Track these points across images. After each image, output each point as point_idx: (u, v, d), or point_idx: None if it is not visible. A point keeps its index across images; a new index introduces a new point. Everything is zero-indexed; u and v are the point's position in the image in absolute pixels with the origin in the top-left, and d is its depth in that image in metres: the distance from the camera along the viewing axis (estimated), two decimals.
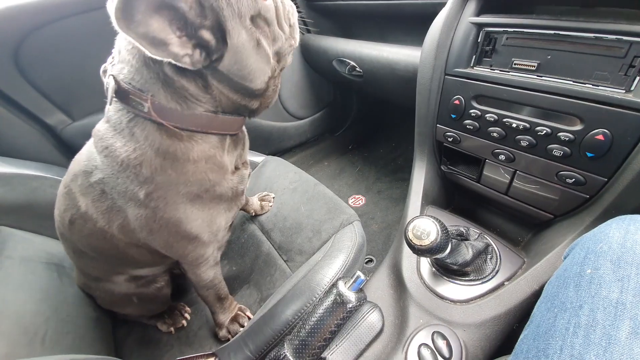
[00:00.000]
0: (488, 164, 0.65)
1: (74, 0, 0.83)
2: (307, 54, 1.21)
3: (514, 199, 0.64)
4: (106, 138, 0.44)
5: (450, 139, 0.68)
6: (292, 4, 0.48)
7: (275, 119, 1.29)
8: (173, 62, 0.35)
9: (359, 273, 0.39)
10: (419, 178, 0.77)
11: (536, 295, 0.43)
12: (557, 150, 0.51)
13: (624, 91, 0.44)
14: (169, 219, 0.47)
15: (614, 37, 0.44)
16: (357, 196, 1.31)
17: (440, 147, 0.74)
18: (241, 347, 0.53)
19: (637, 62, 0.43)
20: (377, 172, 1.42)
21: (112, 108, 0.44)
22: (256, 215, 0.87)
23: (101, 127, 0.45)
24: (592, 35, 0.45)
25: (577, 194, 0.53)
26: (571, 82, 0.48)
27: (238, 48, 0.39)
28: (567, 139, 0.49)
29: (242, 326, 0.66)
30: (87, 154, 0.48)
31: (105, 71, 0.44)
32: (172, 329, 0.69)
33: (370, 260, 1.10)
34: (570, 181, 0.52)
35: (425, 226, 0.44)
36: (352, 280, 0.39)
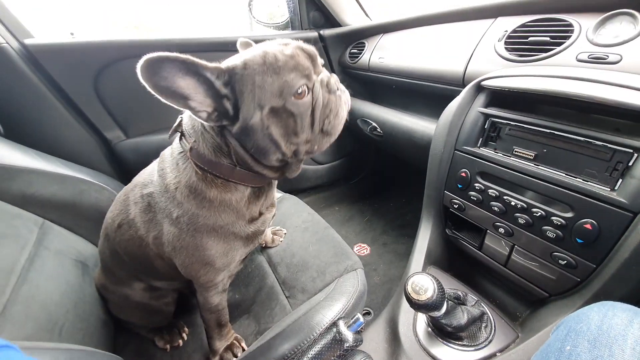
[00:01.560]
0: (489, 234, 0.70)
1: (147, 45, 1.02)
2: None
3: (513, 272, 0.68)
4: (164, 162, 0.54)
5: (455, 206, 0.74)
6: (342, 114, 0.51)
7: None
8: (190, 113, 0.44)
9: (358, 315, 0.43)
10: (424, 237, 0.82)
11: None
12: (550, 232, 0.57)
13: (609, 189, 0.51)
14: (189, 242, 0.53)
15: (601, 143, 0.52)
16: (362, 245, 1.35)
17: (446, 212, 0.80)
18: None
19: (619, 166, 0.50)
20: (384, 225, 1.46)
21: (176, 141, 0.54)
22: (266, 247, 0.92)
23: (166, 152, 0.55)
24: (582, 138, 0.54)
25: (569, 276, 0.57)
26: (564, 175, 0.55)
27: (247, 126, 0.45)
28: (559, 223, 0.55)
29: (236, 356, 0.67)
30: (150, 170, 0.58)
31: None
32: (167, 346, 0.71)
33: (368, 313, 1.09)
34: (563, 263, 0.56)
35: (423, 282, 0.49)
36: (351, 321, 0.43)
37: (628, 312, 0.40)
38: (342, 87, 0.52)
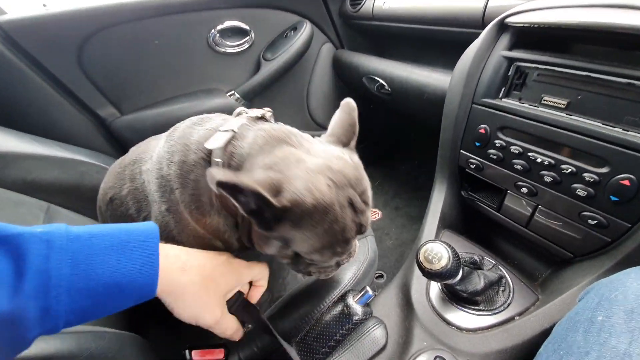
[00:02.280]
0: (509, 195, 0.64)
1: (133, 8, 0.93)
2: (339, 68, 1.26)
3: (534, 233, 0.63)
4: (177, 145, 0.46)
5: (472, 166, 0.69)
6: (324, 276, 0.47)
7: (302, 128, 1.34)
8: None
9: (367, 288, 0.41)
10: (438, 201, 0.78)
11: (545, 334, 0.43)
12: (580, 190, 0.51)
13: None
14: (175, 236, 0.47)
15: None
16: (374, 210, 1.32)
17: (462, 173, 0.74)
18: (249, 343, 0.57)
19: None
20: (396, 188, 1.42)
21: (205, 127, 0.46)
22: None
23: (185, 131, 0.47)
24: (624, 80, 0.45)
25: (599, 236, 0.52)
26: (600, 124, 0.48)
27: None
28: (592, 180, 0.49)
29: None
30: (157, 147, 0.50)
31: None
32: None
33: (381, 276, 1.10)
34: (593, 223, 0.51)
35: (437, 251, 0.46)
36: (360, 295, 0.41)
37: None
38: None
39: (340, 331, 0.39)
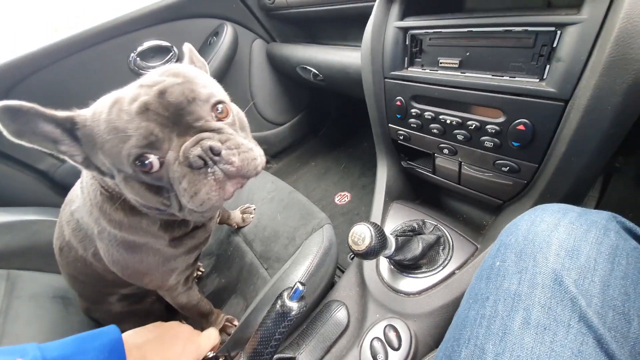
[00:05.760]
0: (437, 157, 0.67)
1: (45, 53, 0.90)
2: (274, 62, 1.24)
3: (466, 187, 0.66)
4: (83, 175, 0.51)
5: (401, 137, 0.70)
6: (202, 197, 0.38)
7: (255, 130, 1.34)
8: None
9: (297, 284, 0.43)
10: (382, 177, 0.80)
11: None
12: (488, 142, 0.53)
13: (538, 80, 0.46)
14: (118, 257, 0.50)
15: (520, 29, 0.45)
16: (342, 193, 1.35)
17: (396, 145, 0.76)
18: (223, 353, 0.60)
19: (544, 50, 0.44)
20: (362, 167, 1.44)
21: None
22: (239, 228, 0.92)
23: None
24: (502, 29, 0.47)
25: (516, 180, 0.55)
26: (490, 76, 0.50)
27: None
28: (493, 131, 0.51)
29: (229, 335, 0.72)
30: (76, 186, 0.55)
31: None
32: None
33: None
34: (506, 169, 0.54)
35: (360, 232, 0.48)
36: (291, 291, 0.43)
37: (556, 214, 0.37)
38: (231, 151, 0.39)
39: (279, 329, 0.42)
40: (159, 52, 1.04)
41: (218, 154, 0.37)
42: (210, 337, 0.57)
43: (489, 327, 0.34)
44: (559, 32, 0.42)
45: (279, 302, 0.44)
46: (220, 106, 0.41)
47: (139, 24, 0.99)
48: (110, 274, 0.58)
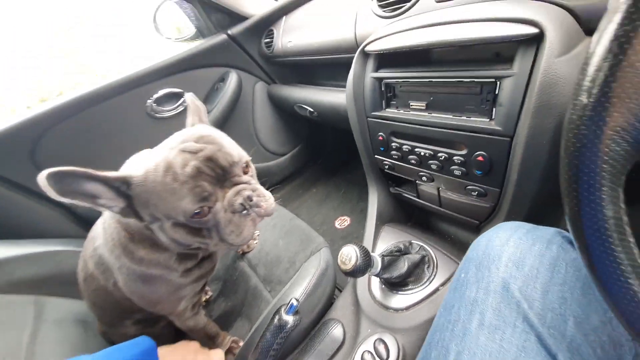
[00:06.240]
0: (419, 183, 0.75)
1: (72, 104, 1.03)
2: (274, 101, 1.38)
3: (447, 209, 0.74)
4: (105, 215, 0.60)
5: (386, 166, 0.79)
6: (246, 234, 0.51)
7: (259, 162, 1.45)
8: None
9: (292, 299, 0.50)
10: (373, 202, 0.88)
11: None
12: (456, 170, 0.61)
13: (488, 120, 0.55)
14: (134, 288, 0.59)
15: (469, 80, 0.55)
16: (342, 218, 1.42)
17: (384, 173, 0.85)
18: None
19: (489, 97, 0.54)
20: (360, 192, 1.52)
21: None
22: (244, 253, 0.99)
23: None
24: (456, 80, 0.57)
25: (484, 203, 0.62)
26: (451, 116, 0.59)
27: (153, 227, 0.51)
28: (459, 161, 0.60)
29: (235, 356, 0.77)
30: (99, 223, 0.64)
31: None
32: None
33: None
34: (475, 194, 0.62)
35: (347, 253, 0.55)
36: (287, 306, 0.50)
37: (508, 231, 0.44)
38: (260, 198, 0.52)
39: (277, 340, 0.48)
40: (172, 98, 1.18)
41: (251, 200, 0.50)
42: (217, 357, 0.63)
43: (452, 330, 0.41)
44: (498, 82, 0.51)
45: (277, 316, 0.51)
46: (246, 164, 0.54)
47: (155, 76, 1.14)
48: (127, 301, 0.66)
